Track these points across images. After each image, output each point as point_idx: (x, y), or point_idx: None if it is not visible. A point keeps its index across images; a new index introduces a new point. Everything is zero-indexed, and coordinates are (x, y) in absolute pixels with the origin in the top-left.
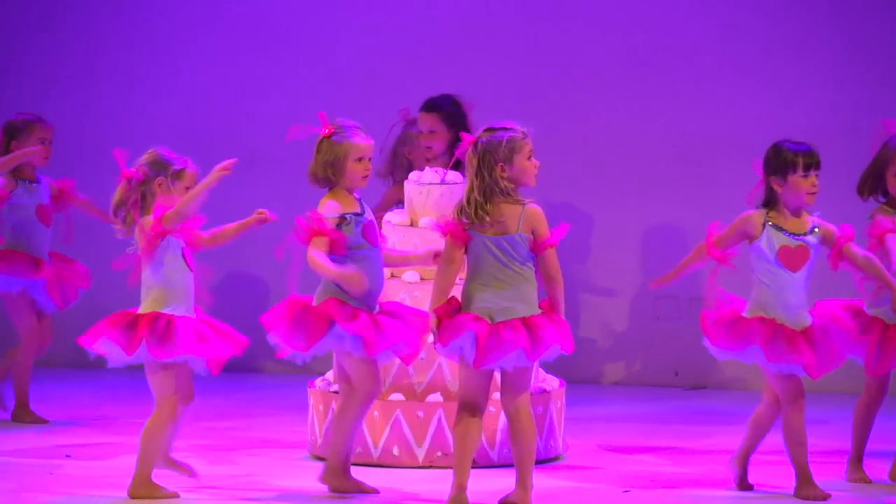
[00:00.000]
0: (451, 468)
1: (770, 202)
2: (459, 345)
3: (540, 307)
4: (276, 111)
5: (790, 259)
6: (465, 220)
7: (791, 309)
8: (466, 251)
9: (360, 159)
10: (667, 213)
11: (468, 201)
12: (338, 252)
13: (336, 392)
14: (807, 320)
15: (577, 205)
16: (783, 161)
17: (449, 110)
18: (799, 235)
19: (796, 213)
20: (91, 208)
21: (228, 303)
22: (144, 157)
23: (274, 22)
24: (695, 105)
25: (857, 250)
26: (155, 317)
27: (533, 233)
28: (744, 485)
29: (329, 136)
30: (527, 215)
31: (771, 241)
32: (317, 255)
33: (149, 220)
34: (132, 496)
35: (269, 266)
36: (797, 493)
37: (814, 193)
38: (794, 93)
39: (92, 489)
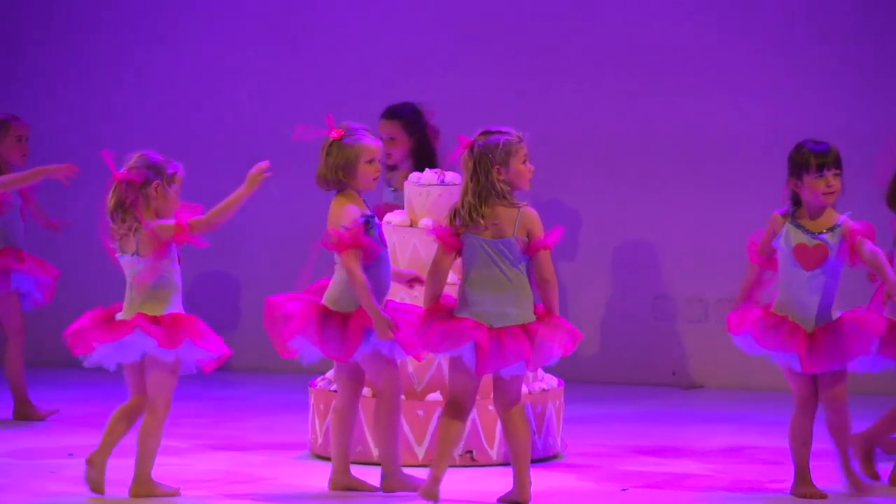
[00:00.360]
0: (451, 467)
1: (796, 202)
2: (460, 353)
3: (536, 312)
4: (275, 112)
5: (804, 257)
6: (458, 225)
7: (804, 308)
8: (460, 255)
9: (371, 161)
10: (666, 213)
11: (462, 204)
12: (369, 260)
13: (335, 391)
14: (821, 322)
15: (573, 204)
16: (798, 161)
17: (409, 118)
18: (819, 234)
19: (818, 212)
20: (38, 211)
21: (200, 302)
22: (137, 160)
23: (273, 22)
24: (692, 105)
25: (866, 246)
26: (178, 315)
27: (528, 235)
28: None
29: (339, 139)
30: (522, 218)
31: (788, 238)
32: (364, 277)
33: (166, 224)
34: (133, 496)
35: (238, 266)
36: (794, 492)
37: (830, 193)
38: (794, 94)
39: None
